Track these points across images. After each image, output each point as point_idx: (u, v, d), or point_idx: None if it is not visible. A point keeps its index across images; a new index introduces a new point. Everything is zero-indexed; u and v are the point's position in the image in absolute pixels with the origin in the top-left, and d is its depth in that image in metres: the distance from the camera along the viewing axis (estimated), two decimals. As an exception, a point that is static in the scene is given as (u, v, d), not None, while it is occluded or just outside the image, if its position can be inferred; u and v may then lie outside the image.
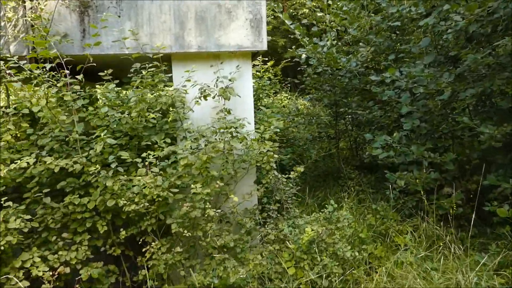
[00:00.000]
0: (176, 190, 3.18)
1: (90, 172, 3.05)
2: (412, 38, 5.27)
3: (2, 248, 2.81)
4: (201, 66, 3.75)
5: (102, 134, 3.07)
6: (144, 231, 3.29)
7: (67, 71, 3.07)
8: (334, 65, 5.60)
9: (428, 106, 4.28)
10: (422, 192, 4.07)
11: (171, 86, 3.77)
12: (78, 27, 3.47)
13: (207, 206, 3.12)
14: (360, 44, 5.83)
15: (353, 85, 5.79)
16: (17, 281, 2.81)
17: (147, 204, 3.04)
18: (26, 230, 2.93)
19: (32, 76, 2.96)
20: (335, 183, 5.88)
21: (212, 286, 3.06)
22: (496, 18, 3.71)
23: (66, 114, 3.20)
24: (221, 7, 3.67)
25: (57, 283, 3.02)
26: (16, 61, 2.89)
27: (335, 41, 6.06)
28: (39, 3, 3.28)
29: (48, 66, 3.00)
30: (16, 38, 3.34)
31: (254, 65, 7.21)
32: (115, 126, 3.32)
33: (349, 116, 6.51)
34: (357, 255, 3.44)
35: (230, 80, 3.66)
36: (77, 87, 3.11)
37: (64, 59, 3.19)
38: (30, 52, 3.20)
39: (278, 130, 3.92)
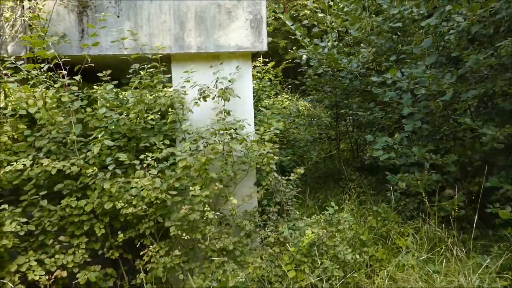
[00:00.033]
0: (175, 193, 3.14)
1: (88, 174, 3.01)
2: (413, 39, 5.24)
3: (-2, 251, 2.78)
4: (200, 66, 3.72)
5: (99, 136, 3.03)
6: (142, 234, 3.25)
7: (64, 72, 3.04)
8: (335, 66, 5.58)
9: (429, 107, 4.25)
10: (423, 194, 4.04)
11: (170, 87, 3.74)
12: (76, 27, 3.44)
13: (206, 208, 3.08)
14: (361, 45, 5.80)
15: (354, 86, 5.77)
16: (12, 286, 2.77)
17: (145, 207, 3.00)
18: (22, 233, 2.89)
19: (29, 76, 2.93)
20: (336, 185, 5.84)
21: (211, 290, 3.02)
22: (498, 19, 3.68)
23: (64, 115, 3.16)
24: (221, 7, 3.65)
25: (54, 287, 2.98)
26: (13, 62, 2.85)
27: (336, 42, 6.03)
28: (37, 3, 3.25)
29: (45, 66, 2.96)
30: (14, 38, 3.31)
31: (254, 66, 7.19)
32: (113, 127, 3.28)
33: (350, 118, 6.49)
34: (358, 258, 3.41)
35: (229, 81, 3.63)
36: (75, 88, 3.07)
37: (62, 60, 3.16)
38: (28, 53, 3.17)
39: (278, 132, 3.88)
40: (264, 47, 3.76)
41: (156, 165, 3.20)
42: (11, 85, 2.96)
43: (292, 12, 14.11)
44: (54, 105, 3.11)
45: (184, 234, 3.04)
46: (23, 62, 3.00)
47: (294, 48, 6.24)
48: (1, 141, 3.11)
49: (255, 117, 4.42)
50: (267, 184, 3.80)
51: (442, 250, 3.62)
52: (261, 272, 3.24)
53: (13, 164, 2.94)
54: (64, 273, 2.97)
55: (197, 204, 3.10)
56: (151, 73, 3.41)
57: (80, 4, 3.38)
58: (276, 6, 5.70)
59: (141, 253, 3.15)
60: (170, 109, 3.56)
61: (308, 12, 13.32)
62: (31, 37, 3.11)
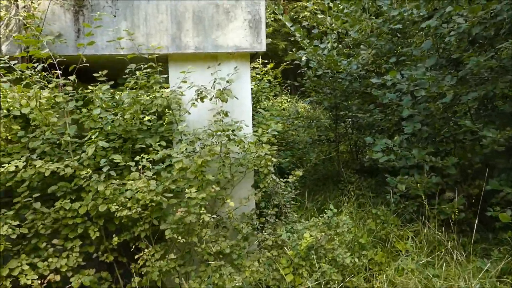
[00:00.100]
0: (170, 195, 3.09)
1: (82, 176, 2.96)
2: (413, 41, 5.21)
3: (-11, 255, 2.73)
4: (198, 67, 3.68)
5: (93, 137, 2.98)
6: (137, 237, 3.20)
7: (59, 72, 2.99)
8: (334, 68, 5.55)
9: (429, 110, 4.22)
10: (423, 196, 4.01)
11: (167, 88, 3.69)
12: (72, 27, 3.40)
13: (202, 211, 3.03)
14: (361, 47, 5.77)
15: (354, 88, 5.74)
16: (3, 290, 2.72)
17: (140, 210, 2.96)
18: (14, 236, 2.84)
19: (23, 76, 2.88)
20: (335, 187, 5.80)
21: (207, 294, 2.98)
22: (499, 20, 3.65)
23: (58, 116, 3.11)
24: (219, 7, 3.61)
25: (47, 291, 2.93)
26: (7, 61, 2.81)
27: (336, 44, 6.00)
28: (32, 2, 3.21)
29: (39, 66, 2.91)
30: (8, 38, 3.27)
31: (254, 68, 7.16)
32: (108, 128, 3.24)
33: (349, 119, 6.45)
34: (356, 262, 3.37)
35: (227, 81, 3.59)
36: (70, 88, 3.03)
37: (58, 60, 3.11)
38: (22, 52, 3.12)
39: (276, 133, 3.84)
40: (263, 48, 3.72)
41: (151, 166, 3.16)
42: (4, 85, 2.90)
43: (292, 14, 14.10)
44: (48, 106, 3.06)
45: (179, 237, 2.99)
46: (17, 62, 2.95)
47: (293, 49, 6.20)
48: (-6, 142, 3.06)
49: (253, 118, 4.38)
50: (265, 186, 3.76)
51: (442, 253, 3.58)
52: (258, 276, 3.19)
53: (5, 166, 2.88)
54: (58, 277, 2.93)
55: (193, 207, 3.05)
56: (148, 73, 3.37)
57: (76, 4, 3.34)
58: (276, 7, 5.66)
59: (136, 256, 3.10)
60: (166, 110, 3.52)
61: (308, 14, 13.31)
62: (28, 37, 3.06)
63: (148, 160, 3.11)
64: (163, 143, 3.35)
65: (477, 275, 3.20)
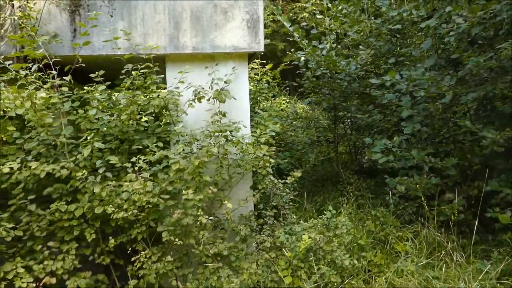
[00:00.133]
0: (167, 196, 3.06)
1: (77, 178, 2.93)
2: (413, 42, 5.20)
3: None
4: (196, 67, 3.66)
5: (89, 138, 2.95)
6: (134, 239, 3.17)
7: (54, 72, 2.96)
8: (333, 68, 5.52)
9: (429, 110, 4.20)
10: (422, 197, 3.99)
11: (164, 88, 3.67)
12: (68, 27, 3.37)
13: (199, 213, 3.00)
14: (360, 47, 5.75)
15: (353, 89, 5.71)
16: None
17: (136, 211, 2.92)
18: (9, 239, 2.80)
19: (18, 77, 2.84)
20: (334, 188, 5.78)
21: (205, 296, 2.95)
22: (498, 21, 3.64)
23: (54, 116, 3.07)
24: (217, 7, 3.58)
25: (43, 294, 2.89)
26: (1, 61, 2.77)
27: (335, 44, 5.98)
28: (27, 2, 3.17)
29: (34, 66, 2.88)
30: (4, 38, 3.23)
31: (252, 68, 7.14)
32: (104, 129, 3.20)
33: (348, 120, 6.43)
34: (356, 263, 3.34)
35: (225, 82, 3.56)
36: (65, 89, 2.99)
37: (54, 60, 3.08)
38: (17, 52, 3.09)
39: (275, 134, 3.81)
40: (261, 48, 3.70)
41: (148, 168, 3.12)
42: (-2, 85, 2.86)
43: (291, 15, 14.09)
44: (43, 107, 3.03)
45: (177, 240, 2.96)
46: (11, 62, 2.92)
47: (292, 50, 6.17)
48: (-11, 143, 3.02)
49: (252, 119, 4.36)
50: (263, 188, 3.73)
51: (442, 255, 3.55)
52: (256, 278, 3.17)
53: (0, 168, 2.85)
54: (53, 280, 2.89)
55: (190, 208, 3.02)
56: (145, 74, 3.34)
57: (72, 3, 3.31)
58: (275, 7, 5.63)
59: (133, 259, 3.06)
60: (164, 110, 3.49)
61: (307, 15, 13.30)
62: (22, 36, 3.03)
63: (145, 161, 3.08)
64: (160, 144, 3.32)
65: (477, 276, 3.18)
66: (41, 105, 2.97)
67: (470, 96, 3.80)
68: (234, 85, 3.70)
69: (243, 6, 3.60)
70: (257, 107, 6.27)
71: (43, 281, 2.84)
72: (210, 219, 3.11)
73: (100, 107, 3.31)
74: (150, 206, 2.96)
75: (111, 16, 3.44)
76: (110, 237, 3.08)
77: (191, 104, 3.46)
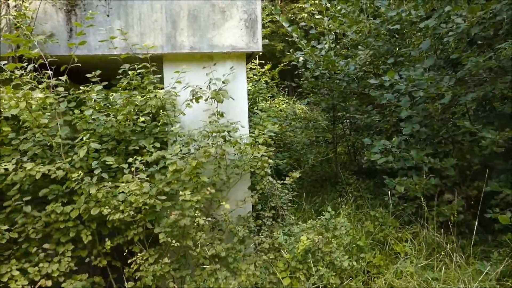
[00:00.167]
0: (164, 197, 3.03)
1: (73, 179, 2.89)
2: (412, 42, 5.18)
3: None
4: (193, 67, 3.63)
5: (85, 138, 2.91)
6: (131, 241, 3.14)
7: (50, 72, 2.92)
8: (332, 69, 5.50)
9: (428, 110, 4.18)
10: (422, 198, 3.97)
11: (162, 88, 3.64)
12: (64, 27, 3.34)
13: (196, 214, 2.97)
14: (359, 47, 5.73)
15: (351, 89, 5.70)
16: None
17: (133, 213, 2.89)
18: (4, 241, 2.77)
19: (13, 77, 2.81)
20: (333, 189, 5.75)
21: (202, 299, 2.92)
22: (498, 20, 3.62)
23: (50, 117, 3.04)
24: (215, 7, 3.56)
25: (38, 297, 2.85)
26: (-4, 61, 2.74)
27: (334, 45, 5.96)
28: (23, 1, 3.14)
29: (29, 66, 2.85)
30: (-1, 38, 3.20)
31: (251, 69, 7.11)
32: (101, 130, 3.17)
33: (347, 121, 6.41)
34: (355, 264, 3.31)
35: (223, 82, 3.53)
36: (61, 89, 2.96)
37: (50, 60, 3.05)
38: (11, 51, 3.05)
39: (273, 134, 3.79)
40: (259, 48, 3.67)
41: (144, 169, 3.09)
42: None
43: (290, 15, 14.07)
44: (39, 107, 2.99)
45: (174, 241, 2.93)
46: (6, 62, 2.88)
47: (291, 50, 6.15)
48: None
49: (250, 119, 4.33)
50: (261, 188, 3.70)
51: (441, 256, 3.53)
52: (254, 280, 3.14)
53: (-4, 169, 2.81)
54: (49, 283, 2.86)
55: (187, 210, 2.99)
56: (142, 73, 3.31)
57: (68, 3, 3.28)
58: (272, 7, 5.61)
59: (129, 261, 3.03)
60: (161, 111, 3.46)
61: (306, 15, 13.29)
62: (18, 36, 3.00)
63: (142, 162, 3.05)
64: (158, 145, 3.29)
65: (476, 278, 3.17)
66: (37, 106, 2.93)
67: (469, 96, 3.78)
68: (232, 85, 3.67)
69: (241, 5, 3.57)
70: (256, 108, 6.24)
71: (39, 283, 2.80)
72: (208, 220, 3.08)
73: (97, 108, 3.27)
74: (146, 207, 2.93)
75: (108, 15, 3.41)
76: (107, 239, 3.04)
77: (189, 104, 3.43)
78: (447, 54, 4.47)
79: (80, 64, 3.12)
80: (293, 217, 3.88)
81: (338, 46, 6.34)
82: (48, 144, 3.08)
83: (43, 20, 3.28)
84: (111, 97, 3.42)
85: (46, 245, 3.00)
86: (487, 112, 4.52)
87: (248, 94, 3.93)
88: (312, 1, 8.54)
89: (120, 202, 2.89)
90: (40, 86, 2.90)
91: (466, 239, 3.82)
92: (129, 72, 3.24)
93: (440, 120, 4.24)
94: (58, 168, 2.92)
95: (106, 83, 3.37)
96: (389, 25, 4.89)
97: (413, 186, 4.05)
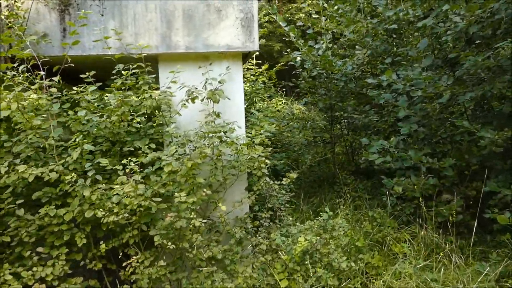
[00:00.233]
0: (160, 199, 2.99)
1: (67, 181, 2.85)
2: (409, 41, 5.16)
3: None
4: (189, 67, 3.59)
5: (78, 140, 2.87)
6: (126, 243, 3.09)
7: (42, 73, 2.88)
8: (329, 68, 5.48)
9: (426, 110, 4.16)
10: (420, 198, 3.94)
11: (157, 89, 3.60)
12: (58, 27, 3.30)
13: (192, 215, 2.93)
14: (356, 47, 5.71)
15: (349, 89, 5.67)
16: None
17: (127, 215, 2.85)
18: (-4, 245, 2.72)
19: (4, 78, 2.76)
20: (331, 189, 5.73)
21: (198, 302, 2.88)
22: (497, 19, 3.60)
23: (43, 118, 2.99)
24: (210, 6, 3.52)
25: (31, 302, 2.81)
26: (-13, 62, 2.69)
27: (331, 44, 5.94)
28: (15, 1, 3.09)
29: (21, 67, 2.80)
30: (-9, 38, 3.15)
31: (248, 69, 7.08)
32: (94, 131, 3.13)
33: (345, 121, 6.38)
34: (353, 266, 3.28)
35: (219, 82, 3.50)
36: (54, 90, 2.91)
37: (43, 60, 3.00)
38: (2, 52, 3.00)
39: (269, 134, 3.75)
40: (256, 47, 3.64)
41: (139, 170, 3.05)
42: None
43: (287, 15, 14.05)
44: (32, 108, 2.95)
45: (169, 243, 2.88)
46: (-2, 62, 2.84)
47: (288, 50, 6.12)
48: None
49: (247, 120, 4.30)
50: (258, 189, 3.67)
51: (440, 257, 3.51)
52: (252, 282, 3.11)
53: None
54: (43, 287, 2.81)
55: (183, 211, 2.95)
56: (137, 74, 3.27)
57: (61, 2, 3.23)
58: (269, 6, 5.58)
59: (124, 264, 2.99)
60: (156, 111, 3.42)
61: (303, 15, 13.28)
62: (10, 36, 2.95)
63: (137, 163, 3.01)
64: (153, 146, 3.25)
65: (476, 278, 3.15)
66: (29, 107, 2.88)
67: (468, 96, 3.76)
68: (228, 85, 3.64)
69: (237, 4, 3.54)
70: (253, 108, 6.21)
71: (33, 287, 2.76)
72: (204, 222, 3.04)
73: (91, 108, 3.23)
74: (141, 209, 2.89)
75: (102, 15, 3.36)
76: (102, 242, 3.00)
77: (185, 104, 3.40)
78: (445, 53, 4.45)
79: (73, 65, 3.08)
80: (290, 218, 3.85)
81: (335, 46, 6.31)
82: (41, 146, 3.03)
83: (35, 20, 3.23)
84: (105, 98, 3.37)
85: (39, 249, 2.95)
86: (485, 111, 4.51)
87: (245, 94, 3.90)
88: (310, 1, 8.52)
89: (114, 204, 2.85)
90: (32, 87, 2.85)
91: (465, 240, 3.80)
92: (123, 72, 3.20)
93: (438, 119, 4.22)
94: (51, 171, 2.87)
95: (101, 83, 3.32)
96: (387, 25, 4.87)
97: (411, 186, 4.03)
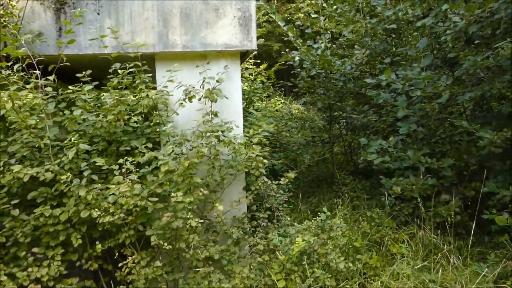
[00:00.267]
0: (156, 199, 2.96)
1: (62, 181, 2.82)
2: (408, 41, 5.15)
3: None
4: (186, 66, 3.57)
5: (73, 139, 2.84)
6: (122, 244, 3.07)
7: (38, 72, 2.85)
8: (328, 68, 5.46)
9: (425, 110, 4.14)
10: (418, 198, 3.93)
11: (154, 88, 3.57)
12: (53, 25, 3.27)
13: (189, 215, 2.91)
14: (355, 47, 5.69)
15: (348, 89, 5.66)
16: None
17: (123, 215, 2.83)
18: (-9, 245, 2.70)
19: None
20: (329, 189, 5.71)
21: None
22: (496, 19, 3.58)
23: (38, 118, 2.96)
24: (208, 5, 3.50)
25: (27, 302, 2.79)
26: (-19, 61, 2.67)
27: (330, 44, 5.92)
28: (10, 0, 3.06)
29: (16, 66, 2.77)
30: (-15, 36, 3.12)
31: (246, 68, 7.06)
32: (90, 130, 3.10)
33: (344, 120, 6.37)
34: (351, 266, 3.27)
35: (217, 81, 3.47)
36: (49, 89, 2.88)
37: (38, 60, 2.98)
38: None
39: (268, 134, 3.73)
40: (254, 46, 3.62)
41: (135, 170, 3.03)
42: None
43: (286, 15, 14.03)
44: (28, 108, 2.92)
45: (165, 244, 2.86)
46: (-9, 62, 2.81)
47: (287, 50, 6.10)
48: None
49: (245, 119, 4.28)
50: (256, 189, 3.65)
51: (438, 257, 3.50)
52: (249, 282, 3.09)
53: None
54: (38, 287, 2.78)
55: (180, 211, 2.93)
56: (133, 72, 3.24)
57: (57, 1, 3.20)
58: (268, 5, 5.55)
59: (120, 264, 2.97)
60: (153, 110, 3.39)
61: (302, 15, 13.26)
62: (5, 35, 2.92)
63: (133, 163, 2.99)
64: (150, 145, 3.23)
65: (474, 279, 3.13)
66: (24, 106, 2.86)
67: (467, 96, 3.74)
68: (226, 84, 3.61)
69: (235, 3, 3.52)
70: (251, 107, 6.19)
71: (28, 288, 2.74)
72: (201, 222, 3.02)
73: (88, 108, 3.20)
74: (138, 209, 2.87)
75: (98, 13, 3.34)
76: (97, 242, 2.98)
77: (182, 103, 3.37)
78: (444, 53, 4.44)
79: (69, 64, 3.05)
80: (288, 218, 3.83)
81: (334, 46, 6.30)
82: (37, 145, 3.01)
83: (30, 18, 3.20)
84: (102, 97, 3.35)
85: (35, 249, 2.93)
86: (484, 112, 4.49)
87: (243, 94, 3.88)
88: (309, 1, 8.50)
89: (110, 204, 2.83)
90: (27, 86, 2.83)
91: (463, 240, 3.78)
92: (120, 71, 3.17)
93: (437, 119, 4.21)
94: (47, 170, 2.85)
95: (97, 83, 3.30)
96: (386, 25, 4.86)
97: (409, 186, 4.02)
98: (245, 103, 6.07)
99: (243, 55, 3.95)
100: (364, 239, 3.83)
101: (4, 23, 3.00)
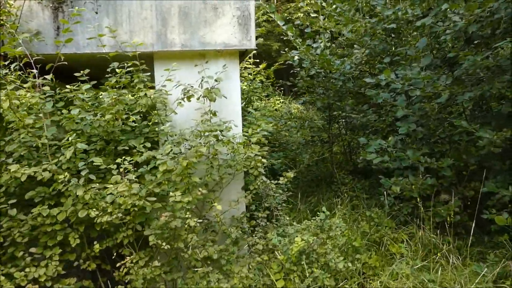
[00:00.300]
0: (154, 199, 2.95)
1: (60, 181, 2.81)
2: (408, 40, 5.13)
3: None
4: (185, 65, 3.55)
5: (71, 139, 2.83)
6: (120, 244, 3.06)
7: (35, 71, 2.83)
8: (327, 68, 5.45)
9: (424, 110, 4.13)
10: (418, 198, 3.93)
11: (153, 87, 3.56)
12: (51, 24, 3.25)
13: (188, 215, 2.90)
14: (355, 46, 5.68)
15: (347, 88, 5.65)
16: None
17: (121, 215, 2.81)
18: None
19: (-3, 76, 2.73)
20: (328, 189, 5.71)
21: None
22: (496, 19, 3.57)
23: (36, 117, 2.95)
24: (207, 4, 3.48)
25: (24, 302, 2.77)
26: (-21, 60, 2.65)
27: (329, 43, 5.91)
28: (8, -2, 3.05)
29: (13, 65, 2.76)
30: (-18, 35, 3.10)
31: (245, 68, 7.04)
32: (88, 130, 3.09)
33: (343, 120, 6.36)
34: (350, 266, 3.26)
35: (216, 80, 3.46)
36: (47, 88, 2.87)
37: (35, 58, 2.96)
38: (-2, 50, 2.96)
39: (267, 133, 3.72)
40: (253, 45, 3.61)
41: (133, 169, 3.01)
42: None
43: (286, 15, 14.02)
44: (25, 107, 2.90)
45: (164, 244, 2.85)
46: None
47: (286, 49, 6.09)
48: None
49: (244, 119, 4.27)
50: (255, 188, 3.64)
51: (437, 257, 3.49)
52: (248, 282, 3.08)
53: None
54: (36, 287, 2.77)
55: (178, 211, 2.92)
56: (132, 72, 3.23)
57: (55, 0, 3.18)
58: (267, 5, 5.54)
59: (118, 264, 2.95)
60: (152, 110, 3.38)
61: (301, 15, 13.25)
62: (2, 34, 2.91)
63: (131, 162, 2.97)
64: (148, 145, 3.21)
65: (473, 279, 3.13)
66: (22, 106, 2.84)
67: (467, 95, 3.74)
68: (225, 84, 3.60)
69: (234, 2, 3.50)
70: (251, 107, 6.18)
71: (25, 288, 2.73)
72: (200, 222, 3.01)
73: (85, 107, 3.19)
74: (136, 209, 2.86)
75: (96, 12, 3.32)
76: (95, 242, 2.97)
77: (180, 103, 3.36)
78: (444, 53, 4.43)
79: (67, 63, 3.03)
80: (287, 218, 3.82)
81: (333, 45, 6.28)
82: (34, 145, 3.00)
83: (28, 17, 3.19)
84: (100, 96, 3.33)
85: (32, 249, 2.92)
86: (484, 112, 4.49)
87: (242, 93, 3.86)
88: (308, 1, 8.49)
89: (108, 204, 2.82)
90: (25, 85, 2.81)
91: (462, 240, 3.78)
92: (118, 70, 3.16)
93: (436, 119, 4.20)
94: (45, 170, 2.84)
95: (95, 82, 3.28)
96: (385, 24, 4.84)
97: (409, 186, 4.01)
98: (244, 103, 6.07)
99: (242, 55, 3.94)
100: (363, 239, 3.83)
101: (2, 22, 2.99)
